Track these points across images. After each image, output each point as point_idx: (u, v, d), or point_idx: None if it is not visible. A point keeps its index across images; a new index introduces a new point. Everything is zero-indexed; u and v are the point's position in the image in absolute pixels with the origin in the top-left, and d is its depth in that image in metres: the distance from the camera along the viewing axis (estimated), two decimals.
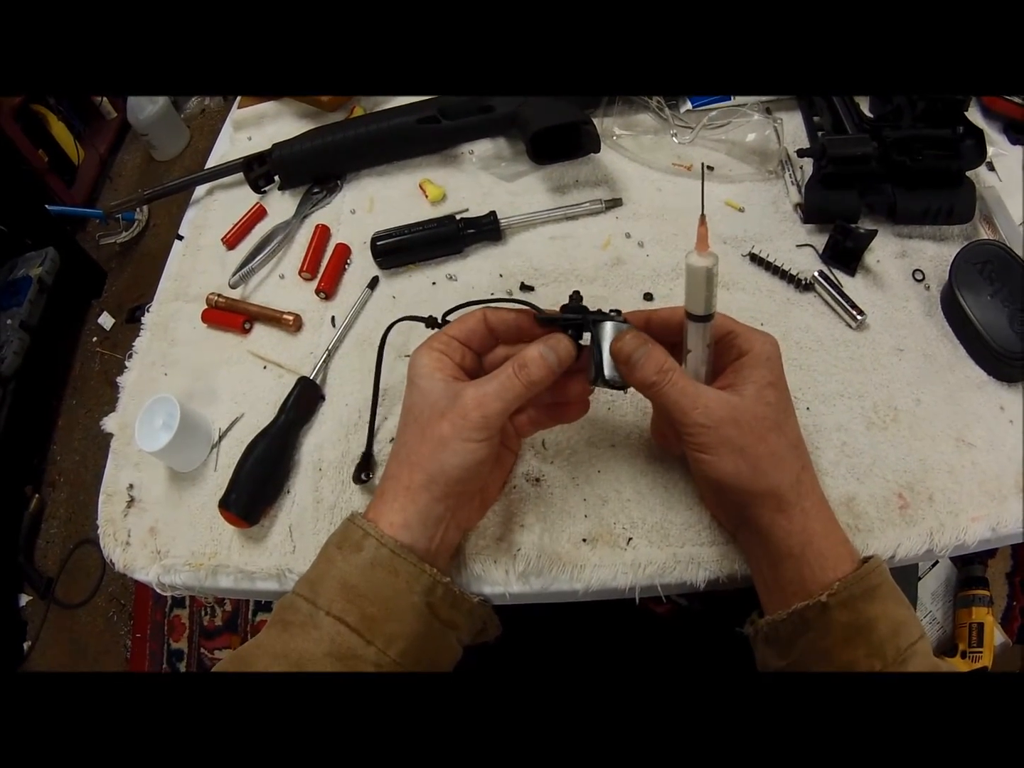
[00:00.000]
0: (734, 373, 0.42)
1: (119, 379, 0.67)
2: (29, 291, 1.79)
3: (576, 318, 0.43)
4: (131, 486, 0.59)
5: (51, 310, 1.85)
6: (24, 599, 1.58)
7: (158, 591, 0.55)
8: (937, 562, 1.16)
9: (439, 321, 0.48)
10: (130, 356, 0.68)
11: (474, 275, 0.64)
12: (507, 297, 0.45)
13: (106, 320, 1.99)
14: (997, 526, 0.47)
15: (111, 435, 0.63)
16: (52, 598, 1.55)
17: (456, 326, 0.45)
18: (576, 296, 0.45)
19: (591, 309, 0.44)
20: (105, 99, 2.45)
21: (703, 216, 0.39)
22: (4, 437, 1.64)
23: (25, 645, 1.52)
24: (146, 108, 2.29)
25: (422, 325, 0.49)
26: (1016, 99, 0.69)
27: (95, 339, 1.99)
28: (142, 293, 2.03)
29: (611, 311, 0.43)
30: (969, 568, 1.14)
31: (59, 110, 2.22)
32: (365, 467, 0.53)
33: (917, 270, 0.59)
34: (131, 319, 1.97)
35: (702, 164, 0.48)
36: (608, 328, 0.42)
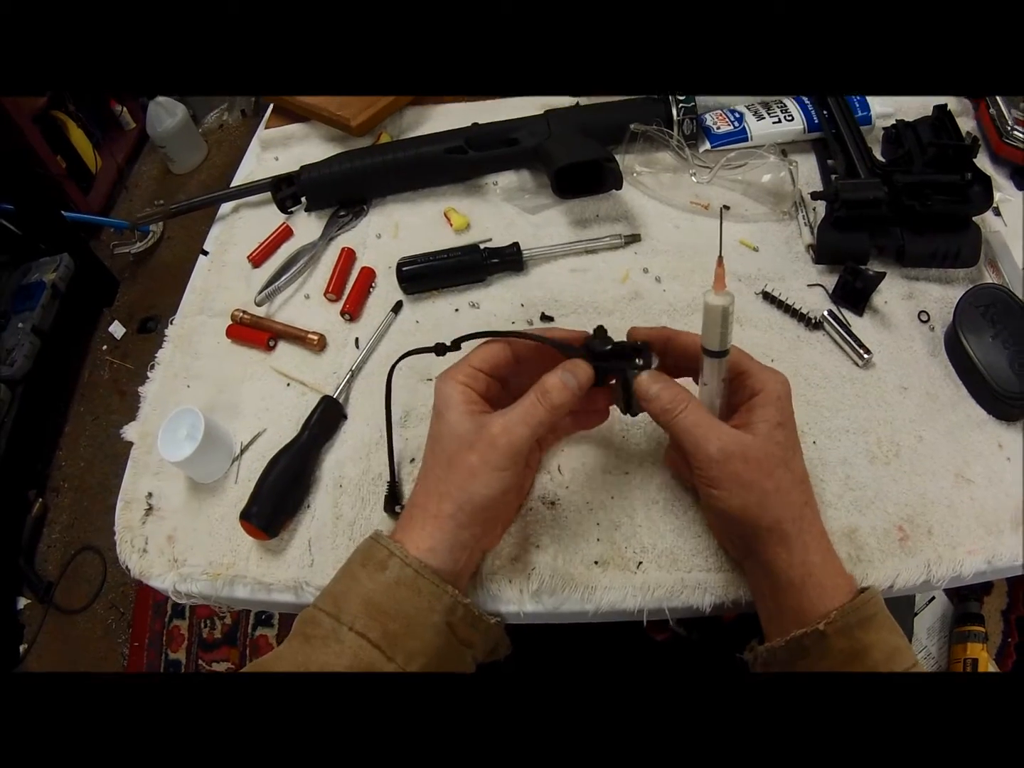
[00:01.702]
0: (747, 412, 0.45)
1: (140, 389, 0.69)
2: (42, 296, 1.84)
3: (605, 365, 0.46)
4: (150, 494, 0.62)
5: (63, 316, 1.90)
6: (23, 602, 1.61)
7: (173, 598, 0.57)
8: (934, 598, 1.18)
9: (448, 346, 0.51)
10: (152, 367, 0.71)
11: (496, 304, 0.67)
12: (521, 331, 0.48)
13: (117, 329, 2.04)
14: (993, 559, 0.50)
15: (125, 443, 0.66)
16: (51, 602, 1.58)
17: (480, 356, 0.48)
18: (601, 331, 0.48)
19: (615, 340, 0.47)
20: (125, 109, 2.52)
21: (720, 257, 0.43)
22: (11, 439, 1.67)
23: (21, 648, 1.54)
24: (165, 120, 2.35)
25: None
26: (1022, 145, 0.72)
27: (105, 347, 2.04)
28: (154, 304, 2.08)
29: (639, 343, 0.46)
30: (965, 604, 1.16)
31: (79, 117, 2.29)
32: (393, 499, 0.55)
33: (923, 311, 0.62)
34: (142, 330, 2.02)
35: (721, 208, 0.52)
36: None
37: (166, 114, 2.36)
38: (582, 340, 0.48)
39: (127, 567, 0.59)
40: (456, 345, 0.51)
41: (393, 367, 0.55)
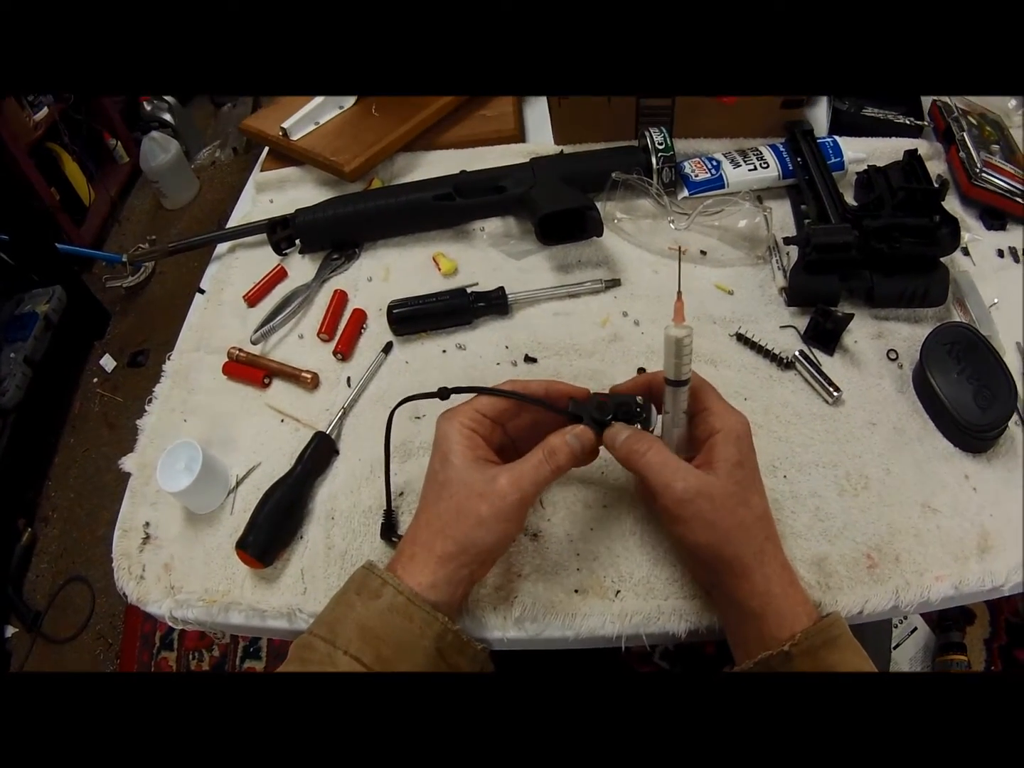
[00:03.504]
0: (709, 451, 0.49)
1: (139, 421, 0.74)
2: (35, 327, 1.91)
3: (604, 420, 0.51)
4: (147, 524, 0.66)
5: (55, 347, 1.97)
6: (10, 630, 1.64)
7: (170, 624, 0.61)
8: (916, 628, 1.22)
9: (451, 391, 0.54)
10: (150, 400, 0.75)
11: (482, 346, 0.72)
12: (531, 395, 0.53)
13: (108, 362, 2.11)
14: (960, 584, 0.54)
15: (115, 476, 0.71)
16: (39, 631, 1.61)
17: (484, 401, 0.52)
18: (601, 397, 0.52)
19: (615, 400, 0.51)
20: (119, 143, 2.62)
21: (679, 293, 0.49)
22: (1, 468, 1.72)
23: None
24: (158, 155, 2.44)
25: (430, 386, 0.56)
26: (992, 187, 0.78)
27: (96, 380, 2.10)
28: (145, 338, 2.15)
29: (641, 404, 0.51)
30: (947, 634, 1.20)
31: (73, 150, 2.39)
32: (390, 529, 0.60)
33: (891, 350, 0.68)
34: (133, 363, 2.09)
35: (679, 247, 0.58)
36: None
37: (159, 149, 2.45)
38: (584, 396, 0.53)
39: (124, 593, 0.62)
40: (452, 392, 0.55)
41: (394, 410, 0.58)
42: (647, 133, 0.79)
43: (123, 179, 2.65)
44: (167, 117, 2.66)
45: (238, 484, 0.66)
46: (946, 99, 0.87)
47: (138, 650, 1.55)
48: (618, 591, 0.55)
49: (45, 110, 2.25)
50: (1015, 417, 0.62)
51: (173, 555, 0.63)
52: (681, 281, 0.47)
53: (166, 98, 2.69)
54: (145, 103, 2.64)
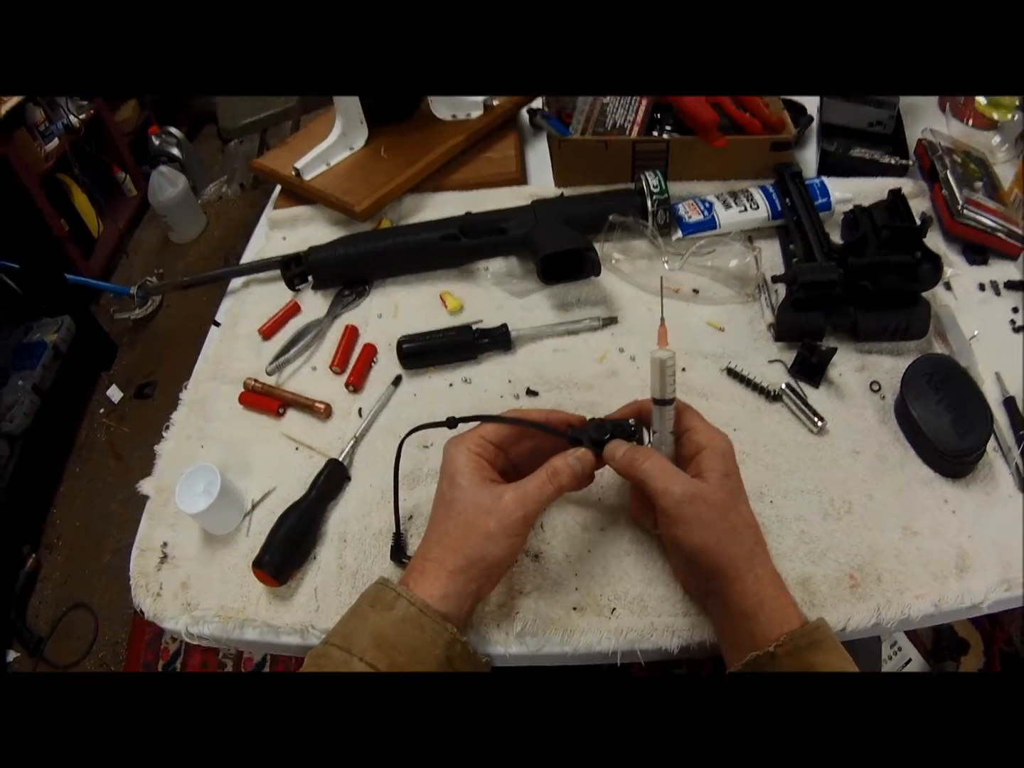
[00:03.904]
0: (696, 466, 0.54)
1: (156, 447, 0.78)
2: (44, 356, 1.98)
3: (602, 439, 0.56)
4: (165, 543, 0.70)
5: (63, 377, 2.03)
6: (12, 655, 1.67)
7: (186, 640, 0.65)
8: (911, 659, 1.24)
9: (458, 420, 0.60)
10: (167, 427, 0.80)
11: (487, 379, 0.77)
12: (534, 420, 0.58)
13: (115, 393, 2.17)
14: (939, 602, 0.59)
15: (120, 505, 0.76)
16: (42, 656, 1.64)
17: (489, 427, 0.58)
18: (597, 422, 0.58)
19: (610, 422, 0.57)
20: (128, 176, 2.72)
21: (663, 319, 0.55)
22: (7, 494, 1.77)
23: None
24: (166, 189, 2.53)
25: (437, 417, 0.61)
26: (973, 223, 0.84)
27: (102, 410, 2.16)
28: (151, 370, 2.21)
29: (633, 425, 0.57)
30: (942, 664, 1.23)
31: (83, 182, 2.48)
32: (400, 550, 0.64)
33: (874, 381, 0.73)
34: (139, 395, 2.15)
35: (660, 279, 0.64)
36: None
37: (168, 184, 2.54)
38: (581, 423, 0.58)
39: (141, 610, 0.66)
40: (460, 421, 0.60)
41: (404, 439, 0.63)
42: (643, 176, 0.85)
43: (131, 212, 2.74)
44: (175, 152, 2.76)
45: (254, 507, 0.71)
46: (930, 137, 0.93)
47: None
48: (614, 609, 0.59)
49: (56, 141, 2.33)
50: (992, 443, 0.66)
51: (190, 574, 0.67)
52: (669, 314, 0.53)
53: (174, 132, 2.78)
54: (153, 137, 2.74)
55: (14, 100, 2.08)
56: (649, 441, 0.57)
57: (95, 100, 2.52)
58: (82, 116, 2.42)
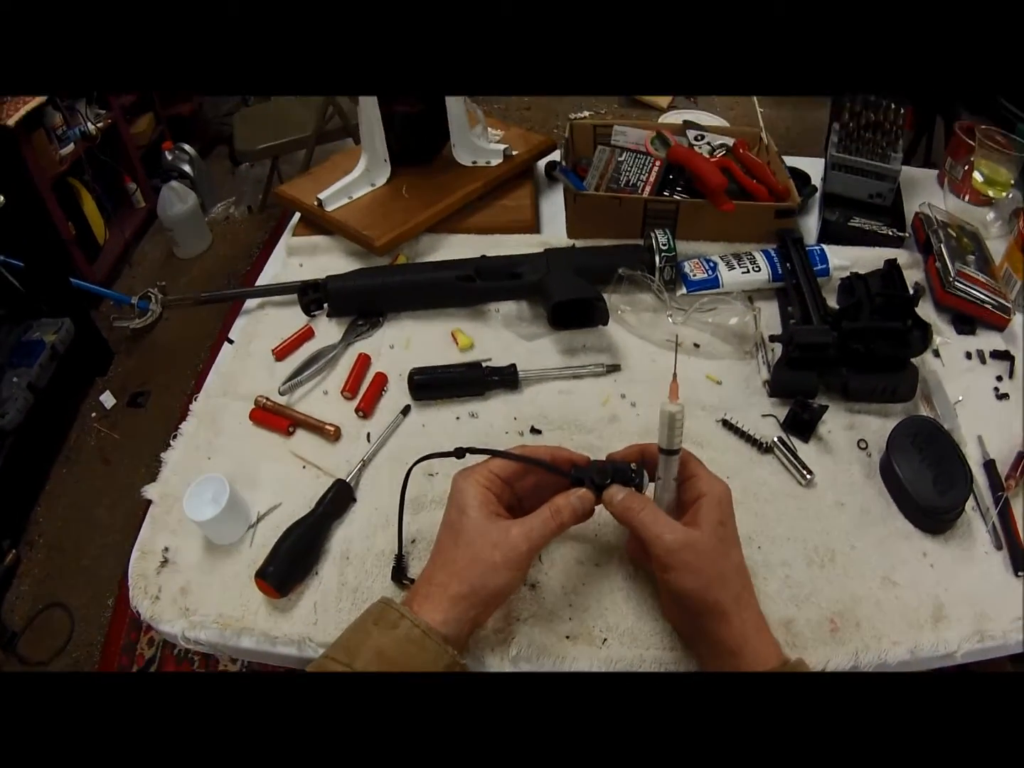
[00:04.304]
0: (694, 512, 0.59)
1: (163, 454, 0.81)
2: (42, 355, 2.00)
3: (603, 484, 0.59)
4: (167, 548, 0.72)
5: (58, 378, 2.06)
6: None
7: (182, 644, 0.67)
8: None
9: (466, 450, 0.63)
10: (175, 436, 0.83)
11: (493, 416, 0.82)
12: (531, 457, 0.61)
13: (108, 399, 2.19)
14: (915, 650, 0.63)
15: (104, 509, 0.78)
16: (14, 652, 1.64)
17: (498, 463, 0.61)
18: (600, 464, 0.61)
19: (611, 466, 0.60)
20: (138, 188, 2.77)
21: (675, 375, 0.59)
22: None
23: None
24: (175, 204, 2.59)
25: (444, 448, 0.65)
26: (963, 295, 0.89)
27: (94, 415, 2.18)
28: (145, 381, 2.25)
29: (634, 469, 0.60)
30: None
31: (94, 188, 2.52)
32: (401, 572, 0.68)
33: (862, 439, 0.78)
34: (132, 403, 2.17)
35: (675, 336, 0.70)
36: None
37: (177, 199, 2.61)
38: (585, 462, 0.62)
39: (138, 611, 0.68)
40: (468, 452, 0.63)
41: (414, 465, 0.67)
42: (653, 234, 0.91)
43: (138, 223, 2.80)
44: (187, 168, 2.83)
45: (259, 520, 0.74)
46: (927, 211, 1.00)
47: None
48: (605, 639, 0.63)
49: (72, 146, 2.38)
50: (971, 502, 0.71)
51: (190, 580, 0.70)
52: (676, 366, 0.58)
53: (187, 149, 2.85)
54: (167, 152, 2.81)
55: (36, 101, 2.12)
56: (649, 483, 0.61)
57: (113, 109, 2.59)
58: (99, 124, 2.48)
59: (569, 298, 0.84)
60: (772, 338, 0.84)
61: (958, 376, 0.85)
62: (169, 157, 2.82)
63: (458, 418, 0.82)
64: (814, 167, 1.15)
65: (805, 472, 0.73)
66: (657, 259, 0.90)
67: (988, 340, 0.90)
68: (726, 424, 0.79)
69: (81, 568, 1.80)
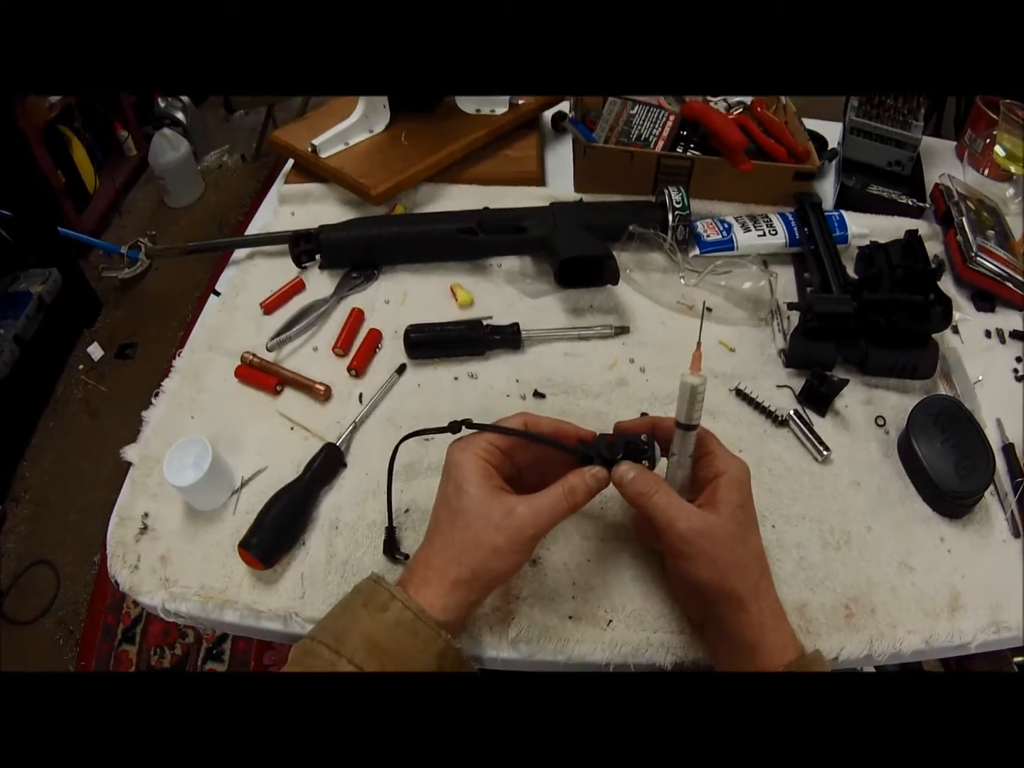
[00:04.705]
0: (712, 492, 0.53)
1: (144, 413, 0.75)
2: (28, 307, 1.94)
3: (614, 459, 0.54)
4: (146, 514, 0.67)
5: (45, 329, 1.99)
6: None
7: (161, 616, 0.62)
8: None
9: (460, 423, 0.57)
10: (157, 394, 0.77)
11: (493, 377, 0.76)
12: (533, 433, 0.56)
13: (95, 351, 2.12)
14: (930, 639, 0.59)
15: (90, 463, 0.73)
16: (1, 611, 1.60)
17: (499, 434, 0.55)
18: (609, 437, 0.56)
19: (623, 440, 0.55)
20: (130, 136, 2.66)
21: (699, 344, 0.53)
22: None
23: None
24: (167, 152, 2.49)
25: (440, 411, 0.59)
26: (984, 271, 0.85)
27: (81, 367, 2.11)
28: (134, 332, 2.18)
29: (646, 443, 0.55)
30: None
31: (84, 136, 2.41)
32: (392, 546, 0.62)
33: (879, 416, 0.73)
34: (120, 355, 2.10)
35: (703, 303, 0.63)
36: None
37: (169, 147, 2.51)
38: (591, 438, 0.56)
39: (116, 581, 0.63)
40: (461, 426, 0.57)
41: (401, 441, 0.61)
42: (666, 191, 0.85)
43: (129, 172, 2.69)
44: (179, 116, 2.71)
45: (243, 485, 0.68)
46: (947, 183, 0.94)
47: (99, 640, 1.55)
48: (610, 621, 0.58)
49: None
50: (991, 487, 0.67)
51: (170, 548, 0.65)
52: (682, 331, 0.52)
53: (180, 97, 2.74)
54: (159, 100, 2.69)
55: None
56: (662, 458, 0.56)
57: None
58: None
59: (578, 255, 0.78)
60: (790, 305, 0.78)
61: (978, 355, 0.80)
62: (162, 104, 2.71)
63: (456, 379, 0.76)
64: (831, 131, 1.09)
65: (822, 448, 0.68)
66: (670, 217, 0.84)
67: (1007, 319, 0.85)
68: (739, 394, 0.74)
69: (67, 524, 1.75)
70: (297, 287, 0.87)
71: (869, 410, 0.73)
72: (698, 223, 0.88)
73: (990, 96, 1.04)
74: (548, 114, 1.11)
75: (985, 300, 0.87)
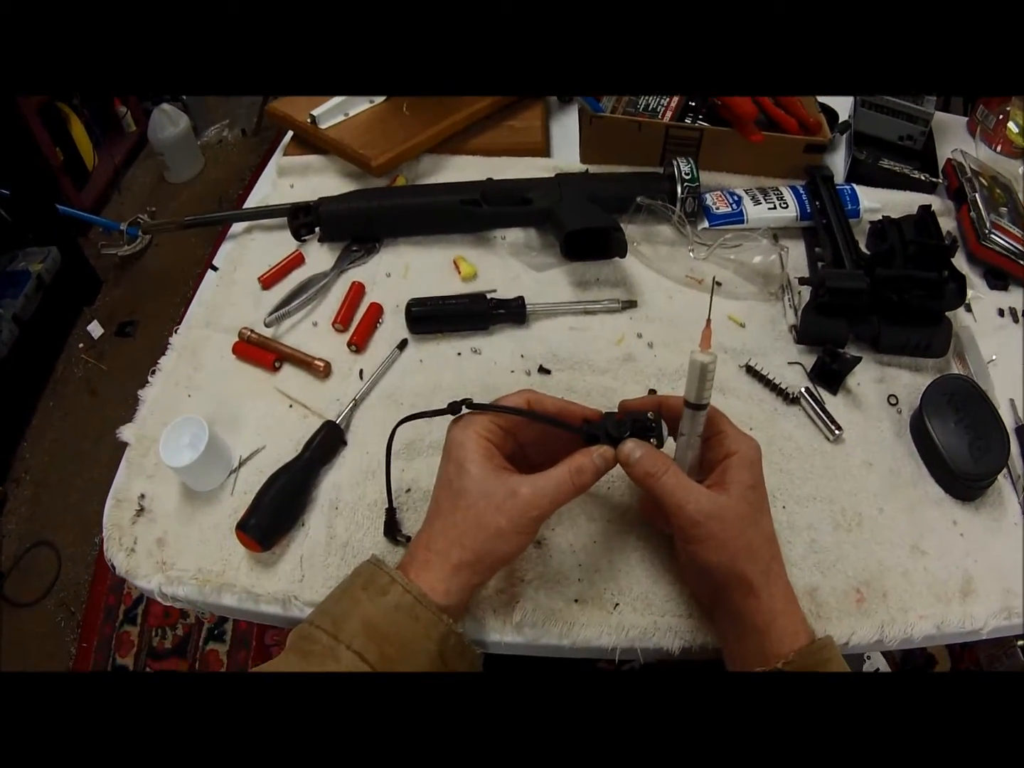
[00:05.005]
0: (722, 472, 0.51)
1: (140, 392, 0.72)
2: (27, 286, 1.90)
3: (621, 437, 0.51)
4: (143, 496, 0.65)
5: (45, 308, 1.96)
6: None
7: (159, 600, 0.60)
8: (879, 669, 1.24)
9: (460, 403, 0.54)
10: (153, 372, 0.74)
11: (497, 352, 0.73)
12: (536, 413, 0.53)
13: (95, 329, 2.09)
14: (942, 625, 0.57)
15: (91, 442, 0.71)
16: (1, 593, 1.59)
17: (501, 414, 0.52)
18: (614, 416, 0.53)
19: (627, 419, 0.52)
20: (128, 112, 2.61)
21: (709, 320, 0.50)
22: None
23: None
24: (167, 128, 2.44)
25: (443, 387, 0.56)
26: (998, 248, 0.82)
27: (81, 345, 2.08)
28: (134, 309, 2.14)
29: (653, 421, 0.52)
30: None
31: (82, 112, 2.36)
32: (393, 527, 0.60)
33: (892, 395, 0.70)
34: (120, 333, 2.07)
35: (713, 278, 0.60)
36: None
37: (168, 122, 2.46)
38: (597, 417, 0.54)
39: (112, 564, 0.61)
40: (461, 406, 0.54)
41: (399, 424, 0.59)
42: (675, 162, 0.81)
43: (128, 148, 2.63)
44: None
45: (241, 465, 0.66)
46: (960, 158, 0.90)
47: (100, 622, 1.54)
48: (617, 604, 0.56)
49: None
50: (1004, 470, 0.64)
51: (167, 530, 0.63)
52: (690, 305, 0.49)
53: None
54: None
55: None
56: (669, 437, 0.53)
57: None
58: None
59: (585, 227, 0.74)
60: (802, 280, 0.75)
61: (991, 334, 0.77)
62: None
63: (459, 354, 0.73)
64: (841, 104, 1.04)
65: (834, 427, 0.66)
66: (679, 189, 0.80)
67: (1021, 297, 0.82)
68: (750, 370, 0.71)
69: (67, 505, 1.73)
70: (296, 261, 0.84)
71: (881, 389, 0.71)
72: (707, 195, 0.84)
73: (996, 96, 1.00)
74: None
75: (998, 278, 0.83)
